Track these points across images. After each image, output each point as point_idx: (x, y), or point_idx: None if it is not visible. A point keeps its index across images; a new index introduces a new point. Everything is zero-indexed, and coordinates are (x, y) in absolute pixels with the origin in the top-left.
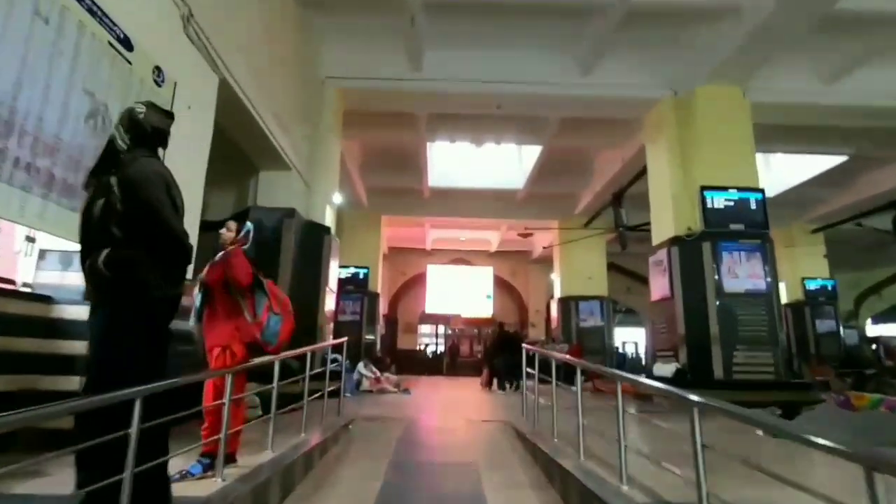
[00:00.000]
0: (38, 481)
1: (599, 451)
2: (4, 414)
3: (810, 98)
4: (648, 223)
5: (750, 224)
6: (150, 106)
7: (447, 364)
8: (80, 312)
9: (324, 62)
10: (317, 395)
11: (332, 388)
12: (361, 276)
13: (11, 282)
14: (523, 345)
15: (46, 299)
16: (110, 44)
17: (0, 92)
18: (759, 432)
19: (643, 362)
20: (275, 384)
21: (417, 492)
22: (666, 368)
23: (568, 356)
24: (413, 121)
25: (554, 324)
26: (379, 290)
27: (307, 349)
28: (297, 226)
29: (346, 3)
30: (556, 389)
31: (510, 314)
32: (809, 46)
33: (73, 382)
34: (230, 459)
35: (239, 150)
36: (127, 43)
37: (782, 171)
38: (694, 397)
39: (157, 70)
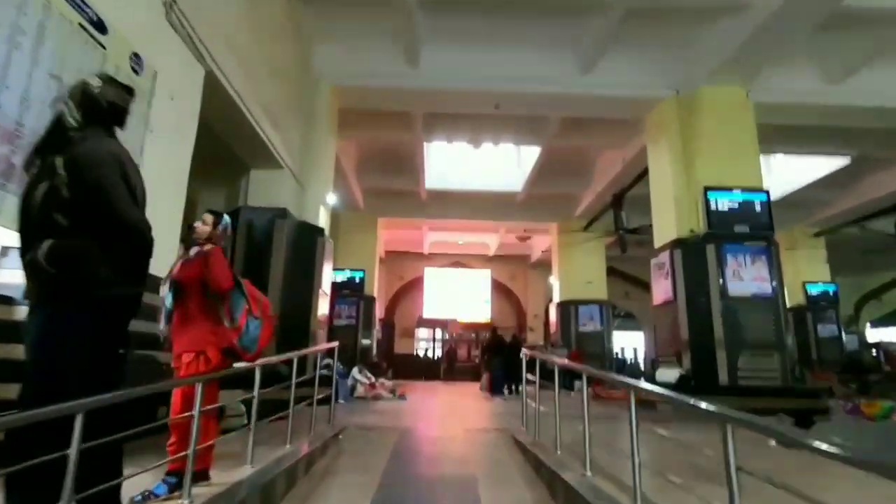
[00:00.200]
0: None
1: (605, 463)
2: None
3: (814, 98)
4: (650, 225)
5: (755, 226)
6: (107, 79)
7: (445, 369)
8: None
9: (318, 58)
10: (306, 401)
11: (323, 395)
12: (357, 279)
13: None
14: (523, 349)
15: (7, 300)
16: (81, 26)
17: None
18: (772, 443)
19: (642, 367)
20: (255, 392)
21: None
22: (669, 374)
23: (568, 362)
24: (410, 120)
25: (553, 328)
26: (375, 294)
27: (292, 354)
28: (290, 226)
29: None
30: (557, 396)
31: (508, 318)
32: (814, 46)
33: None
34: (203, 476)
35: (229, 148)
36: (100, 26)
37: (784, 174)
38: (727, 412)
39: (136, 57)
